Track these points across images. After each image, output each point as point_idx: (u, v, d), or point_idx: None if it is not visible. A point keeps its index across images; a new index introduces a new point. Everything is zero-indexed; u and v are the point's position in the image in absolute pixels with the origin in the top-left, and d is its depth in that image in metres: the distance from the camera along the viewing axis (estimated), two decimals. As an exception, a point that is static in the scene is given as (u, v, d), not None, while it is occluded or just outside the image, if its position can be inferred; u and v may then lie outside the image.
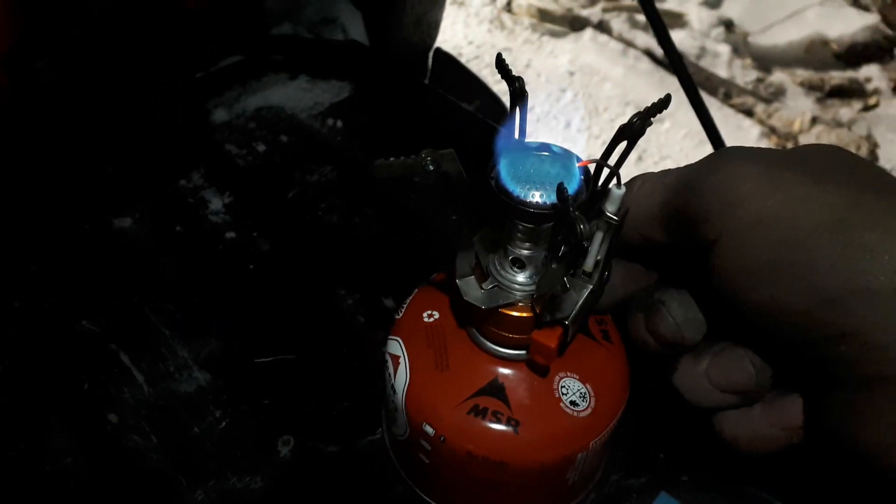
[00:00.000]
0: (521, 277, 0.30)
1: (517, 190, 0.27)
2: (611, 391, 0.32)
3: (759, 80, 2.06)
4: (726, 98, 2.00)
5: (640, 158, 1.77)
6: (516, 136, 0.28)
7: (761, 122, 1.96)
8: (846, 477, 0.29)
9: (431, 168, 0.25)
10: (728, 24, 2.15)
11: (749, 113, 1.98)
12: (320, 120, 0.62)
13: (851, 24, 2.15)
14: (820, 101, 2.04)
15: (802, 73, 2.08)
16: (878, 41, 2.15)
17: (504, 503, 0.33)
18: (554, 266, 0.27)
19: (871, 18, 2.18)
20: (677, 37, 2.07)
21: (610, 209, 0.28)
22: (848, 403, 0.26)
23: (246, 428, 0.41)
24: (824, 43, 2.11)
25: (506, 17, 2.20)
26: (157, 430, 0.40)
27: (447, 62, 0.96)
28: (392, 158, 0.25)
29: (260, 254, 0.51)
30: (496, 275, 0.30)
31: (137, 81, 0.59)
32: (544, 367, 0.31)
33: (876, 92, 2.07)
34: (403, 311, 0.35)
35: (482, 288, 0.30)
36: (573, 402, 0.31)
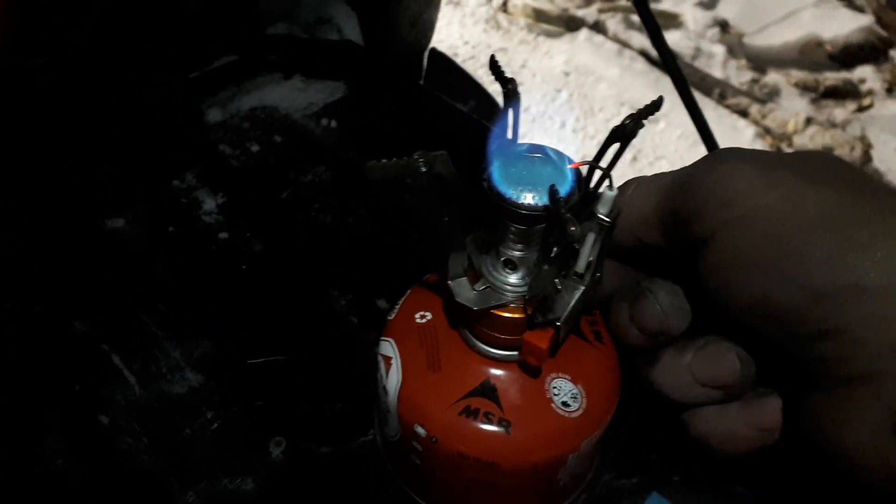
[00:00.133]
0: (513, 278, 0.30)
1: (509, 191, 0.27)
2: (602, 392, 0.32)
3: (754, 81, 2.06)
4: (721, 99, 2.01)
5: (634, 159, 1.77)
6: (509, 137, 0.28)
7: (756, 122, 1.96)
8: (822, 482, 0.29)
9: (424, 169, 0.25)
10: (723, 25, 2.15)
11: (744, 113, 1.99)
12: (314, 120, 0.62)
13: (846, 26, 2.16)
14: (814, 101, 2.05)
15: (797, 74, 2.09)
16: (872, 42, 2.16)
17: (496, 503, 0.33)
18: (546, 268, 0.27)
19: (866, 20, 2.19)
20: (672, 37, 2.08)
21: (602, 211, 0.28)
22: (830, 403, 0.26)
23: (238, 429, 0.41)
24: (819, 44, 2.12)
25: (501, 17, 2.20)
26: (149, 432, 0.40)
27: (442, 62, 0.96)
28: (385, 160, 0.25)
29: (253, 254, 0.50)
30: (488, 276, 0.30)
31: (132, 81, 0.59)
32: (536, 368, 0.31)
33: (870, 93, 2.08)
34: (396, 312, 0.35)
35: (474, 289, 0.30)
36: (565, 403, 0.31)
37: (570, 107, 1.95)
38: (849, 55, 2.13)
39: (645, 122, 0.27)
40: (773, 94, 2.04)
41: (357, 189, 0.55)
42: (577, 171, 0.27)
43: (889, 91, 2.09)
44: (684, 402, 0.32)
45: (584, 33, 2.13)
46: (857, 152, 1.88)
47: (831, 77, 2.09)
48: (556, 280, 0.26)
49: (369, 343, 0.45)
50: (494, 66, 0.28)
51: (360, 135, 0.61)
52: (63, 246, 0.50)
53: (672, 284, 0.31)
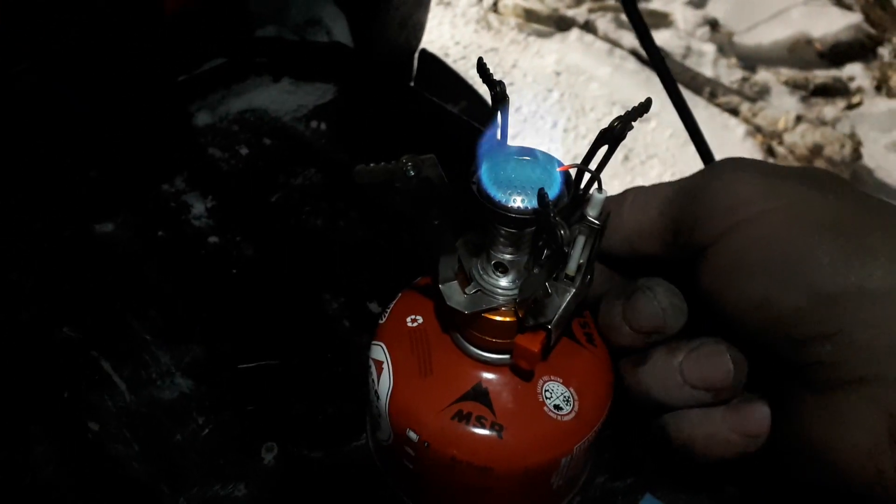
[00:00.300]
0: (503, 282, 0.29)
1: (499, 195, 0.26)
2: (595, 394, 0.32)
3: (744, 80, 2.07)
4: (712, 97, 2.01)
5: (626, 158, 1.78)
6: (498, 140, 0.28)
7: (746, 120, 1.97)
8: (804, 488, 0.29)
9: (412, 173, 0.25)
10: (713, 24, 2.16)
11: (734, 112, 1.99)
12: (304, 122, 0.61)
13: (835, 24, 2.17)
14: (804, 99, 2.06)
15: (787, 72, 2.10)
16: (861, 40, 2.17)
17: (489, 508, 0.33)
18: (536, 271, 0.27)
19: (855, 17, 2.20)
20: (663, 36, 2.08)
21: (592, 213, 0.28)
22: (826, 406, 0.26)
23: (229, 435, 0.40)
24: (808, 42, 2.13)
25: (492, 17, 2.20)
26: (139, 438, 0.40)
27: (433, 63, 0.96)
28: (373, 164, 0.24)
29: (243, 258, 0.50)
30: (479, 279, 0.30)
31: (119, 85, 0.59)
32: (528, 371, 0.30)
33: (859, 90, 2.09)
34: (387, 316, 0.34)
35: (465, 293, 0.29)
36: (557, 406, 0.31)
37: (561, 106, 1.95)
38: (838, 53, 2.14)
39: (634, 123, 0.27)
40: (763, 93, 2.05)
41: (348, 192, 0.55)
42: (566, 174, 0.27)
43: (878, 88, 2.10)
44: (670, 404, 0.31)
45: (574, 33, 2.13)
46: (847, 150, 1.89)
47: (821, 75, 2.10)
48: (547, 284, 0.26)
49: (361, 346, 0.44)
50: (482, 69, 0.28)
51: (351, 137, 0.61)
52: (51, 250, 0.50)
53: (668, 284, 0.31)
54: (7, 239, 0.50)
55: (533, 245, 0.28)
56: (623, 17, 2.11)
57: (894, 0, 2.20)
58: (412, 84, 0.87)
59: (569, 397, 0.31)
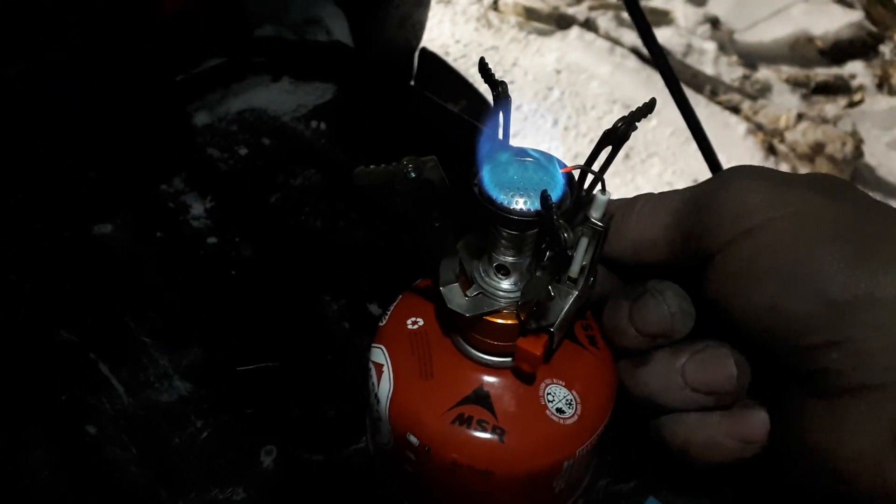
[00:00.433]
0: (505, 284, 0.29)
1: (500, 197, 0.26)
2: (597, 398, 0.32)
3: (745, 77, 2.07)
4: (713, 95, 2.01)
5: (627, 156, 1.77)
6: (500, 141, 0.28)
7: (747, 118, 1.97)
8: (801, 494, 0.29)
9: (413, 175, 0.24)
10: (714, 22, 2.15)
11: (735, 110, 1.99)
12: (304, 122, 0.61)
13: (836, 21, 2.16)
14: (805, 97, 2.05)
15: (788, 70, 2.10)
16: (862, 38, 2.17)
17: (491, 512, 0.33)
18: (538, 274, 0.26)
19: (856, 15, 2.20)
20: (663, 34, 2.08)
21: (595, 215, 0.27)
22: (831, 412, 0.26)
23: (228, 438, 0.40)
24: (809, 40, 2.13)
25: (492, 15, 2.19)
26: (137, 442, 0.39)
27: (433, 62, 0.96)
28: (373, 166, 0.24)
29: (242, 259, 0.50)
30: (480, 282, 0.29)
31: (118, 86, 0.58)
32: (530, 374, 0.30)
33: (861, 88, 2.08)
34: (387, 318, 0.34)
35: (466, 295, 0.29)
36: (559, 410, 0.31)
37: (561, 105, 1.95)
38: (839, 51, 2.13)
39: (637, 124, 0.27)
40: (764, 91, 2.04)
41: (348, 192, 0.54)
42: (568, 176, 0.27)
43: (879, 86, 2.10)
44: (669, 406, 0.31)
45: (575, 31, 2.12)
46: (849, 148, 1.89)
47: (822, 73, 2.09)
48: (549, 287, 0.25)
49: (361, 348, 0.44)
50: (484, 69, 0.27)
51: (350, 137, 0.60)
52: (49, 252, 0.49)
53: (679, 287, 0.31)
54: (5, 239, 0.50)
55: (535, 247, 0.28)
56: (624, 14, 2.11)
57: (896, -3, 2.20)
58: (412, 83, 0.87)
59: (571, 400, 0.31)
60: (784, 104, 2.01)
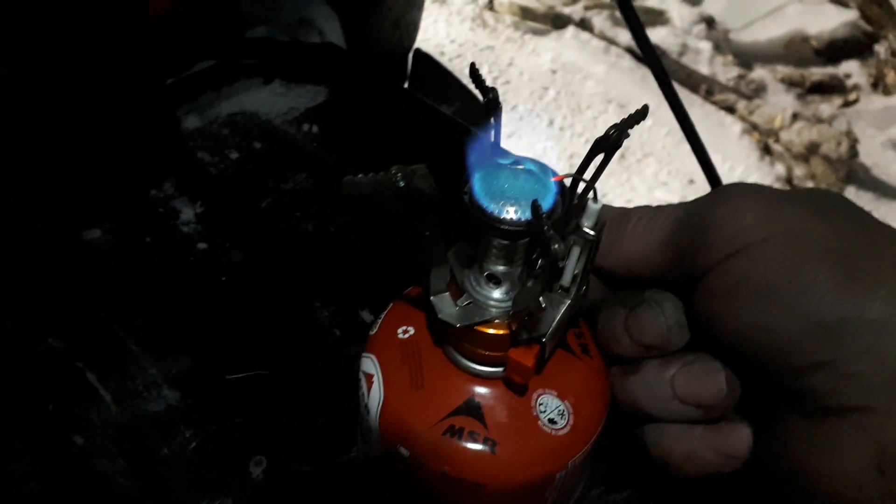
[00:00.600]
0: (496, 294, 0.29)
1: (491, 206, 0.26)
2: (590, 407, 0.31)
3: (741, 77, 2.07)
4: (708, 95, 2.01)
5: (622, 156, 1.77)
6: (491, 148, 0.27)
7: (743, 118, 1.97)
8: None
9: (402, 184, 0.24)
10: (709, 22, 2.15)
11: (730, 110, 1.99)
12: (295, 126, 0.60)
13: (831, 21, 2.17)
14: (800, 97, 2.05)
15: (783, 70, 2.10)
16: (857, 37, 2.17)
17: (483, 524, 0.32)
18: (530, 284, 0.26)
19: (851, 14, 2.20)
20: (659, 34, 2.08)
21: (587, 224, 0.27)
22: (816, 432, 0.26)
23: (217, 448, 0.39)
24: (804, 39, 2.13)
25: (488, 15, 2.19)
26: (125, 452, 0.39)
27: (427, 63, 0.95)
28: (361, 175, 0.24)
29: (233, 265, 0.49)
30: (471, 291, 0.29)
31: (106, 89, 0.58)
32: (521, 385, 0.30)
33: (856, 88, 2.08)
34: (378, 327, 0.33)
35: (457, 305, 0.29)
36: (551, 420, 0.30)
37: (557, 104, 1.94)
38: (834, 50, 2.13)
39: (630, 131, 0.26)
40: (759, 90, 2.04)
41: (339, 197, 0.54)
42: (560, 184, 0.26)
43: (874, 86, 2.10)
44: (657, 416, 0.31)
45: (570, 31, 2.12)
46: (844, 147, 1.89)
47: (817, 72, 2.09)
48: (540, 298, 0.25)
49: (353, 356, 0.43)
50: (475, 75, 0.27)
51: (343, 140, 0.60)
52: (36, 258, 0.49)
53: (676, 299, 0.30)
54: (-9, 246, 0.49)
55: (526, 257, 0.27)
56: (619, 14, 2.10)
57: (890, -3, 2.20)
58: (406, 85, 0.86)
59: (563, 411, 0.30)
60: (779, 104, 2.01)
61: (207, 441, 0.40)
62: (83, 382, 0.42)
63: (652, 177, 1.75)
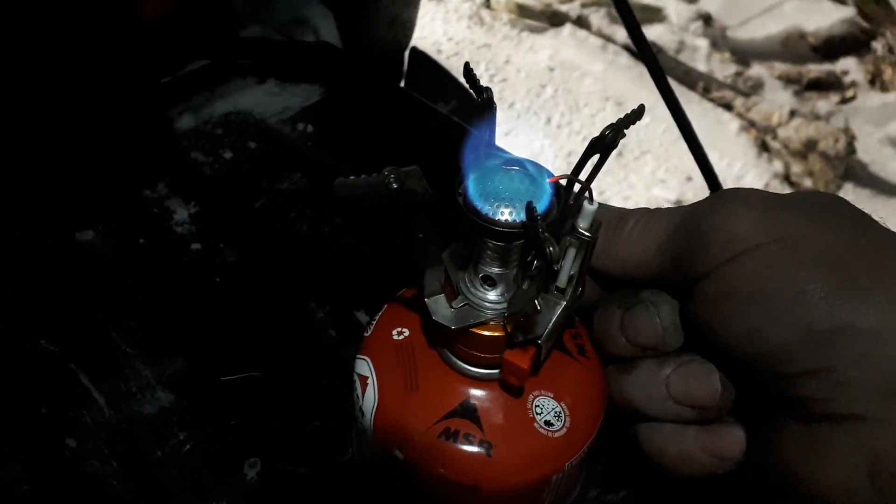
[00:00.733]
0: (492, 295, 0.28)
1: (485, 207, 0.25)
2: (586, 409, 0.31)
3: (738, 74, 2.06)
4: (705, 92, 2.01)
5: (620, 154, 1.76)
6: (486, 149, 0.27)
7: (740, 115, 1.97)
8: None
9: (395, 186, 0.23)
10: (706, 19, 2.15)
11: (728, 107, 1.99)
12: (290, 125, 0.60)
13: (828, 17, 2.16)
14: (798, 94, 2.05)
15: (780, 67, 2.09)
16: (854, 34, 2.17)
17: (479, 527, 0.32)
18: (525, 286, 0.26)
19: (848, 11, 2.20)
20: (656, 31, 2.07)
21: (583, 225, 0.26)
22: (809, 438, 0.26)
23: (211, 450, 0.39)
24: (801, 36, 2.13)
25: (485, 13, 2.18)
26: (118, 455, 0.39)
27: (423, 62, 0.95)
28: (353, 177, 0.23)
29: (227, 266, 0.49)
30: (466, 292, 0.28)
31: (100, 89, 0.57)
32: (517, 387, 0.29)
33: (853, 84, 2.08)
34: (372, 328, 0.33)
35: (452, 306, 0.28)
36: (548, 423, 0.30)
37: (554, 102, 1.94)
38: (831, 47, 2.13)
39: (626, 131, 0.26)
40: (756, 87, 2.04)
41: (332, 199, 0.53)
42: (555, 185, 0.26)
43: (872, 82, 2.10)
44: (651, 416, 0.31)
45: (567, 28, 2.12)
46: (841, 144, 1.89)
47: (814, 69, 2.09)
48: (536, 301, 0.25)
49: (348, 357, 0.43)
50: (469, 75, 0.27)
51: (338, 140, 0.59)
52: (30, 259, 0.48)
53: (673, 300, 0.30)
54: (-16, 247, 0.49)
55: (522, 258, 0.27)
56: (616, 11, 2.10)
57: (887, -7, 2.20)
58: (402, 83, 0.86)
59: (560, 413, 0.30)
60: (776, 101, 2.01)
61: (202, 443, 0.39)
62: (76, 384, 0.41)
63: (650, 174, 1.75)
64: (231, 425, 0.40)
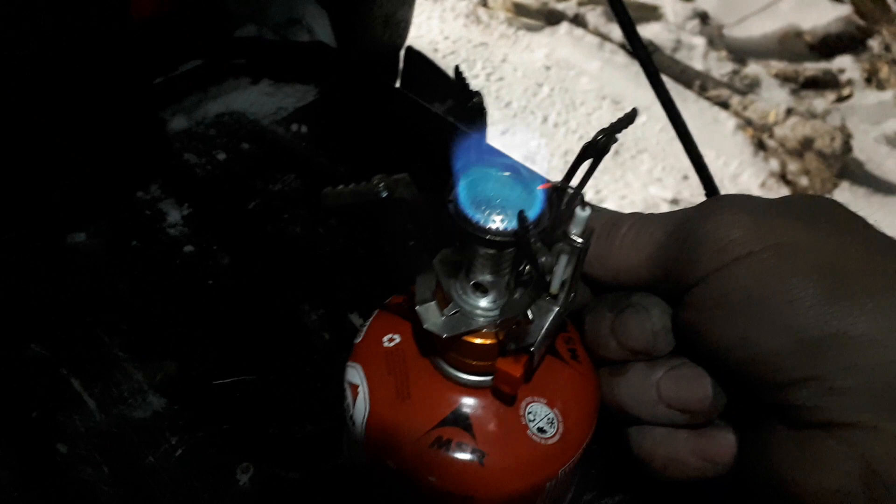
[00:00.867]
0: (483, 302, 0.28)
1: (477, 215, 0.25)
2: (580, 414, 0.31)
3: (735, 73, 2.06)
4: (702, 91, 2.00)
5: (616, 153, 1.77)
6: (476, 154, 0.27)
7: (737, 114, 1.97)
8: None
9: (385, 194, 0.23)
10: (703, 17, 2.15)
11: (725, 105, 1.99)
12: (284, 126, 0.60)
13: (824, 16, 2.17)
14: (794, 92, 2.05)
15: (777, 65, 2.09)
16: (850, 32, 2.17)
17: (472, 535, 0.32)
18: (517, 295, 0.25)
19: (844, 9, 2.20)
20: (652, 29, 2.07)
21: (575, 231, 0.26)
22: (800, 444, 0.25)
23: (203, 455, 0.39)
24: (798, 34, 2.13)
25: (481, 11, 2.18)
26: (110, 461, 0.38)
27: (419, 61, 0.94)
28: (341, 186, 0.23)
29: (220, 268, 0.49)
30: (458, 300, 0.28)
31: (92, 89, 0.57)
32: (510, 395, 0.29)
33: (849, 83, 2.08)
34: (362, 335, 0.33)
35: (443, 314, 0.28)
36: (541, 430, 0.30)
37: (551, 101, 1.94)
38: (828, 45, 2.13)
39: (618, 136, 0.26)
40: (753, 86, 2.04)
41: (320, 209, 0.53)
42: (547, 192, 0.26)
43: (868, 80, 2.10)
44: (643, 419, 0.31)
45: (564, 27, 2.11)
46: (838, 142, 1.89)
47: (811, 67, 2.09)
48: (528, 311, 0.24)
49: (341, 360, 0.43)
50: (459, 80, 0.26)
51: (332, 141, 0.59)
52: (20, 262, 0.48)
53: (664, 303, 0.30)
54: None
55: (514, 265, 0.27)
56: (612, 10, 2.10)
57: (884, -8, 2.20)
58: (398, 83, 0.85)
59: (553, 419, 0.30)
60: (773, 99, 2.01)
61: (194, 448, 0.39)
62: (67, 389, 0.41)
63: (646, 173, 1.75)
64: (223, 430, 0.40)
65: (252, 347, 0.44)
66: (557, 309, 0.28)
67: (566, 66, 2.02)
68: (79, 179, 0.54)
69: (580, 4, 2.16)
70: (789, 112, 1.95)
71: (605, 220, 0.30)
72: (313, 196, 0.54)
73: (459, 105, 0.89)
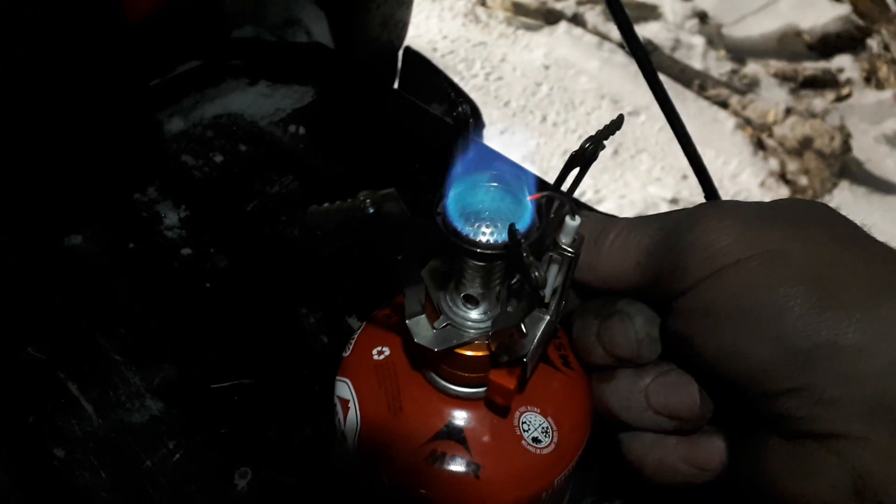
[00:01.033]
0: (474, 314, 0.28)
1: (466, 228, 0.25)
2: (574, 422, 0.31)
3: (734, 72, 2.06)
4: (701, 90, 2.00)
5: (616, 153, 1.76)
6: (465, 166, 0.26)
7: (736, 113, 1.96)
8: None
9: (372, 210, 0.23)
10: (702, 16, 2.15)
11: (724, 105, 1.99)
12: (282, 127, 0.60)
13: (823, 15, 2.16)
14: (793, 91, 2.05)
15: (776, 64, 2.09)
16: (850, 31, 2.16)
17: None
18: (509, 308, 0.25)
19: (843, 9, 2.19)
20: (651, 29, 2.07)
21: (565, 241, 0.26)
22: (790, 453, 0.25)
23: (201, 460, 0.39)
24: (797, 34, 2.12)
25: (480, 10, 2.17)
26: (107, 465, 0.38)
27: (417, 61, 0.94)
28: (327, 204, 0.23)
29: (217, 271, 0.49)
30: (448, 312, 0.28)
31: (88, 91, 0.57)
32: (504, 407, 0.29)
33: (848, 82, 2.08)
34: (351, 348, 0.33)
35: (434, 327, 0.28)
36: (535, 440, 0.30)
37: (550, 100, 1.93)
38: (827, 45, 2.13)
39: (605, 142, 0.26)
40: (752, 85, 2.04)
41: (326, 199, 0.53)
42: (536, 203, 0.26)
43: (867, 80, 2.10)
44: (631, 424, 0.31)
45: (563, 26, 2.11)
46: (837, 142, 1.89)
47: (810, 67, 2.09)
48: (521, 324, 0.24)
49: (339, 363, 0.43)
50: (450, 86, 0.26)
51: (330, 142, 0.59)
52: (17, 265, 0.48)
53: (649, 310, 0.30)
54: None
55: (504, 276, 0.27)
56: (612, 8, 2.09)
57: (884, -9, 2.19)
58: (396, 84, 0.85)
59: (547, 428, 0.30)
60: (772, 98, 2.01)
61: (192, 452, 0.39)
62: (64, 393, 0.41)
63: (645, 173, 1.75)
64: (221, 434, 0.40)
65: (250, 351, 0.44)
66: (549, 318, 0.28)
67: (565, 66, 2.02)
68: (79, 180, 0.54)
69: (579, 4, 2.16)
70: (788, 111, 1.95)
71: (594, 225, 0.30)
72: (311, 198, 0.54)
73: (467, 100, 0.89)
